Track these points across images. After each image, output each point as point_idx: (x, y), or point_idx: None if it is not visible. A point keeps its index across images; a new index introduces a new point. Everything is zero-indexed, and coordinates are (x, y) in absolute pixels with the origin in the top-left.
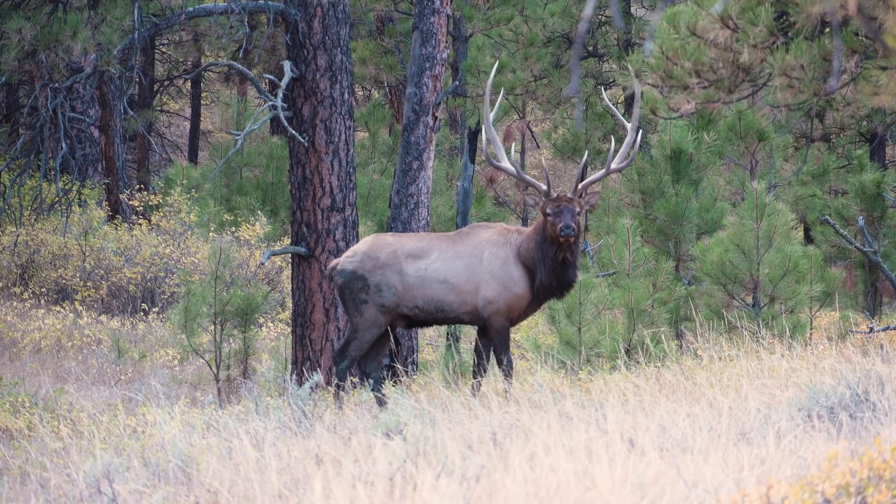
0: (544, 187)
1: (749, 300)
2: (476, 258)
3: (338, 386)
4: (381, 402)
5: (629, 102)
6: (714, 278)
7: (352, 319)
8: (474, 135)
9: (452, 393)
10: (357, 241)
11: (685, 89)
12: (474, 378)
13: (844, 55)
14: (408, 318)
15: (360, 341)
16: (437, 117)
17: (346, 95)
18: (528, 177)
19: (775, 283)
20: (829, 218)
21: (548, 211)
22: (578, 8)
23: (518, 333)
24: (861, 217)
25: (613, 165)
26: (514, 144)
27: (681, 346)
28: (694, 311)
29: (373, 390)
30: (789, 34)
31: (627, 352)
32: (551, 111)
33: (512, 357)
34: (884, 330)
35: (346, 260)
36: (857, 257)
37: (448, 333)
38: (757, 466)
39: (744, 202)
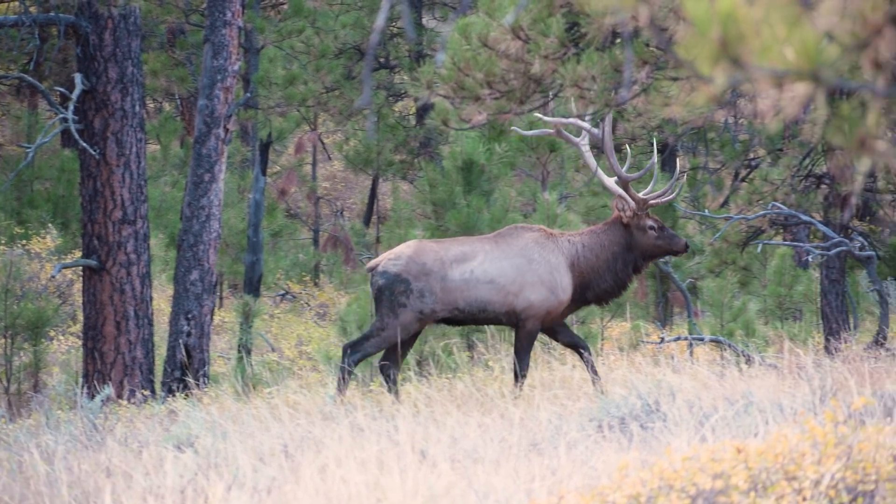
0: (642, 198)
1: None
2: (524, 259)
3: (346, 372)
4: (396, 397)
5: (421, 113)
6: None
7: (382, 319)
8: (266, 147)
9: (244, 405)
10: (147, 254)
11: (477, 100)
12: (589, 369)
13: (636, 66)
14: (443, 320)
15: (380, 339)
16: (228, 129)
17: (137, 108)
18: (630, 187)
19: None
20: None
21: (650, 224)
22: (370, 19)
23: (310, 345)
24: None
25: (671, 194)
26: (304, 156)
27: (472, 358)
28: None
29: (389, 390)
30: (580, 45)
31: (419, 363)
32: (343, 123)
33: (530, 361)
34: (675, 340)
35: (390, 262)
36: (649, 267)
37: (239, 346)
38: (548, 477)
39: (535, 213)
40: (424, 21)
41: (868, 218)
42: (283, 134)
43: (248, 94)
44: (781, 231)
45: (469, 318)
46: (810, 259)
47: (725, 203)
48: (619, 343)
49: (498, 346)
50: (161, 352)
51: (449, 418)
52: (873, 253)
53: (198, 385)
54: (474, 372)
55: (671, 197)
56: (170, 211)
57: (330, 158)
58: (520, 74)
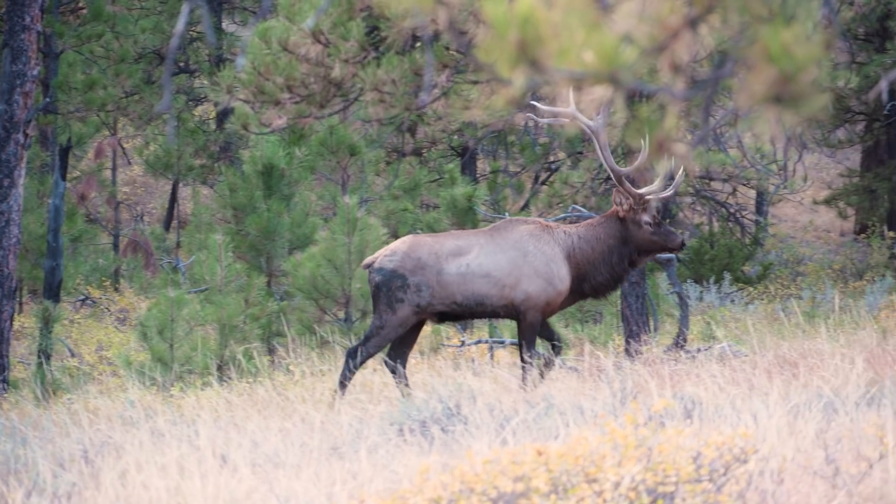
0: (638, 192)
1: (341, 315)
2: (519, 252)
3: (349, 371)
4: (405, 394)
5: (221, 118)
6: (306, 293)
7: (381, 316)
8: (65, 152)
9: (44, 411)
10: None
11: (277, 104)
12: (554, 354)
13: (436, 70)
14: (441, 314)
15: (381, 338)
16: (28, 134)
17: None
18: (626, 182)
19: (367, 298)
20: (420, 232)
21: (647, 220)
22: (170, 24)
23: (111, 350)
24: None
25: (669, 192)
26: (105, 161)
27: (273, 362)
28: (286, 327)
29: (398, 384)
30: (381, 49)
31: (220, 368)
32: (143, 127)
33: (536, 351)
34: (475, 343)
35: (385, 258)
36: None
37: (39, 352)
38: (349, 481)
39: (336, 217)
40: (224, 25)
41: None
42: (83, 139)
43: (48, 99)
44: None
45: (467, 313)
46: None
47: (526, 206)
48: (420, 346)
49: (299, 350)
50: None
51: (250, 423)
52: (673, 255)
53: None
54: (275, 376)
55: (669, 193)
56: None
57: (130, 163)
58: (320, 78)
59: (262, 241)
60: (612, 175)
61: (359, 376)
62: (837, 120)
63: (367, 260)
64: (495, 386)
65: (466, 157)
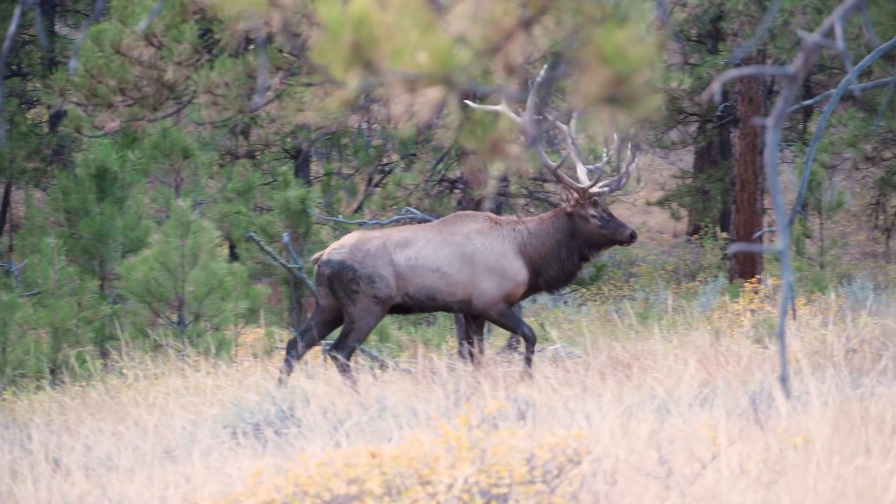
0: (584, 186)
1: (174, 318)
2: (468, 250)
3: (345, 374)
4: (282, 379)
5: (54, 121)
6: (139, 296)
7: (347, 311)
8: None
9: None
10: None
11: (110, 107)
12: (464, 359)
13: (269, 72)
14: (398, 307)
15: (358, 332)
16: None
17: None
18: (565, 176)
19: (200, 301)
20: (254, 234)
21: (594, 213)
22: (2, 27)
23: None
24: (286, 233)
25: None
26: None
27: (106, 365)
28: (119, 330)
29: (286, 361)
30: (214, 51)
31: (52, 371)
32: None
33: (530, 326)
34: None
35: (333, 251)
36: (283, 273)
37: None
38: (182, 484)
39: (169, 220)
40: (57, 28)
41: None
42: None
43: None
44: None
45: (419, 306)
46: None
47: (359, 208)
48: (254, 349)
49: (132, 354)
50: None
51: (83, 426)
52: None
53: None
54: (108, 380)
55: (616, 188)
56: None
57: None
58: (153, 81)
59: (95, 245)
60: (549, 171)
61: (191, 380)
62: (670, 121)
63: (315, 255)
64: (328, 388)
65: (300, 160)
